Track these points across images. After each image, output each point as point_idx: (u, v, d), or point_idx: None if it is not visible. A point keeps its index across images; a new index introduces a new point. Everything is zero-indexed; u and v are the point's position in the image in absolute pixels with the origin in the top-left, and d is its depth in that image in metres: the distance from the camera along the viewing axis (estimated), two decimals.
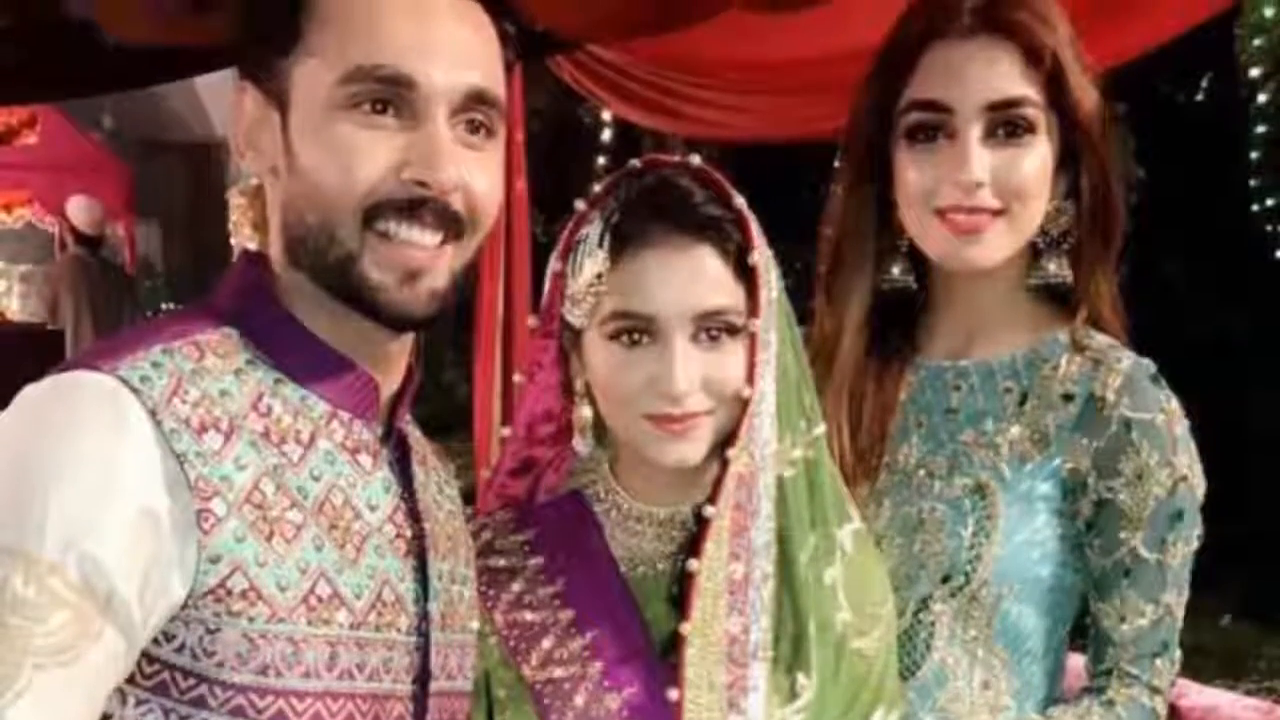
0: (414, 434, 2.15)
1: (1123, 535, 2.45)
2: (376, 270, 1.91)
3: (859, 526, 2.39)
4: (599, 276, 2.23)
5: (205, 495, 1.78)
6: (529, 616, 2.30)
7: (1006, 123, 2.47)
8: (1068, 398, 2.51)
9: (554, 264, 2.34)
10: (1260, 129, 9.50)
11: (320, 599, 1.86)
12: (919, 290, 2.65)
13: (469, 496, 2.38)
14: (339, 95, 1.89)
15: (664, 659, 2.23)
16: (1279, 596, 8.62)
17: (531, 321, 2.42)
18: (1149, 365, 2.51)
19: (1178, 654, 2.52)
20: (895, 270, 2.63)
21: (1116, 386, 2.47)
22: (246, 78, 1.99)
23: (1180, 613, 2.50)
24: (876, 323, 2.65)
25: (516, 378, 2.50)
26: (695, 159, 2.30)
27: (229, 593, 1.78)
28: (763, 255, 2.26)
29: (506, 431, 2.50)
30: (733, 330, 2.23)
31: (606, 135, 12.07)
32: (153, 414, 1.77)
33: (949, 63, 2.49)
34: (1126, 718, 2.46)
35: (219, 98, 14.63)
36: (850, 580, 2.32)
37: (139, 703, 1.80)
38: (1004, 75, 2.47)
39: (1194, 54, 8.33)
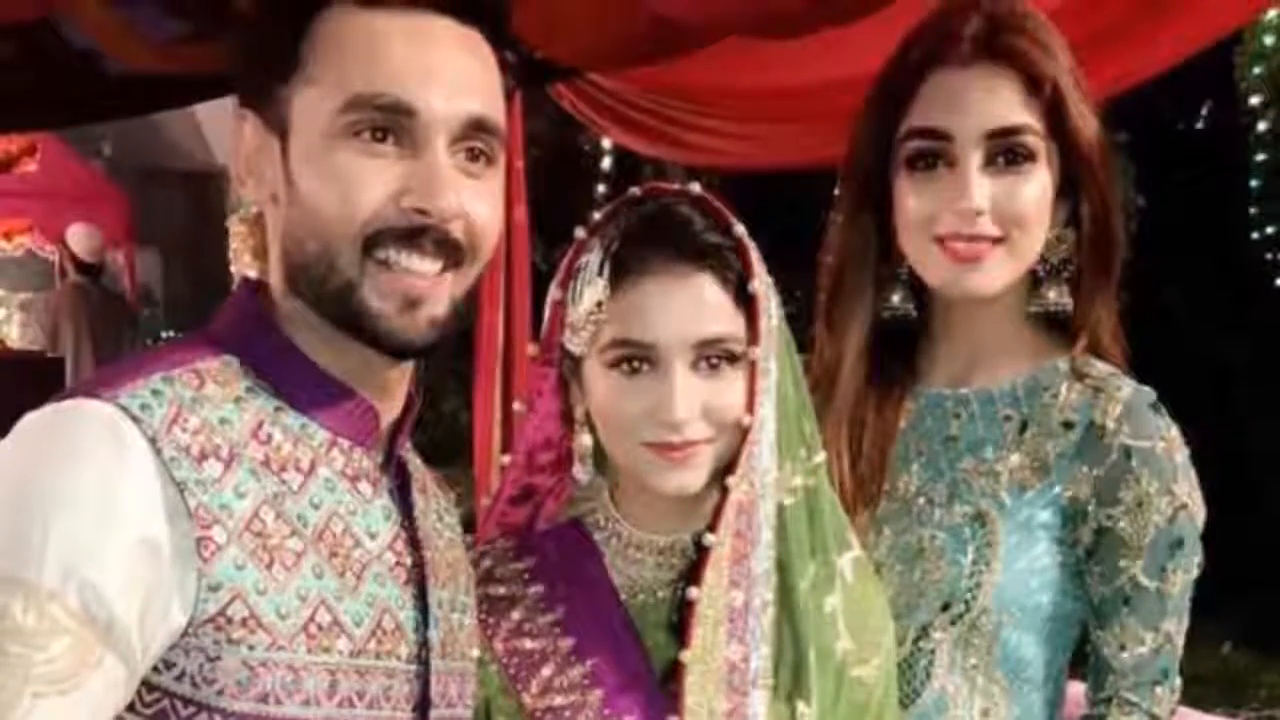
0: (414, 462, 2.15)
1: (1123, 563, 2.45)
2: (376, 298, 1.91)
3: (859, 554, 2.38)
4: (599, 305, 2.23)
5: (205, 523, 1.78)
6: (529, 644, 2.30)
7: (1007, 150, 2.47)
8: (1068, 426, 2.51)
9: (554, 292, 2.34)
10: (1260, 157, 9.53)
11: (320, 627, 1.86)
12: (919, 318, 2.65)
13: (469, 524, 2.38)
14: (339, 123, 1.89)
15: (664, 687, 2.22)
16: (1279, 625, 8.61)
17: (531, 349, 2.42)
18: (1149, 393, 2.51)
19: (1178, 682, 2.51)
20: (895, 298, 2.63)
21: (1117, 415, 2.47)
22: (247, 106, 1.99)
23: (1180, 640, 2.50)
24: (877, 350, 2.65)
25: (516, 406, 2.50)
26: (695, 186, 2.30)
27: (229, 620, 1.78)
28: (763, 283, 2.26)
29: (506, 459, 2.49)
30: (733, 358, 2.23)
31: (606, 163, 12.08)
32: (153, 442, 1.77)
33: (949, 90, 2.49)
34: None
35: (219, 126, 14.64)
36: (850, 608, 2.31)
37: None
38: (1004, 103, 2.47)
39: (1194, 82, 8.34)
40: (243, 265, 2.06)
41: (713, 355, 2.22)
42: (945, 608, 2.47)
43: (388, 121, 1.90)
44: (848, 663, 2.29)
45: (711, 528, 2.23)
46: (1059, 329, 2.60)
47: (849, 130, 2.66)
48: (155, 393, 1.81)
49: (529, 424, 2.44)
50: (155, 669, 1.78)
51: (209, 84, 5.54)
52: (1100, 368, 2.55)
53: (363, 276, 1.91)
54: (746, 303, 2.24)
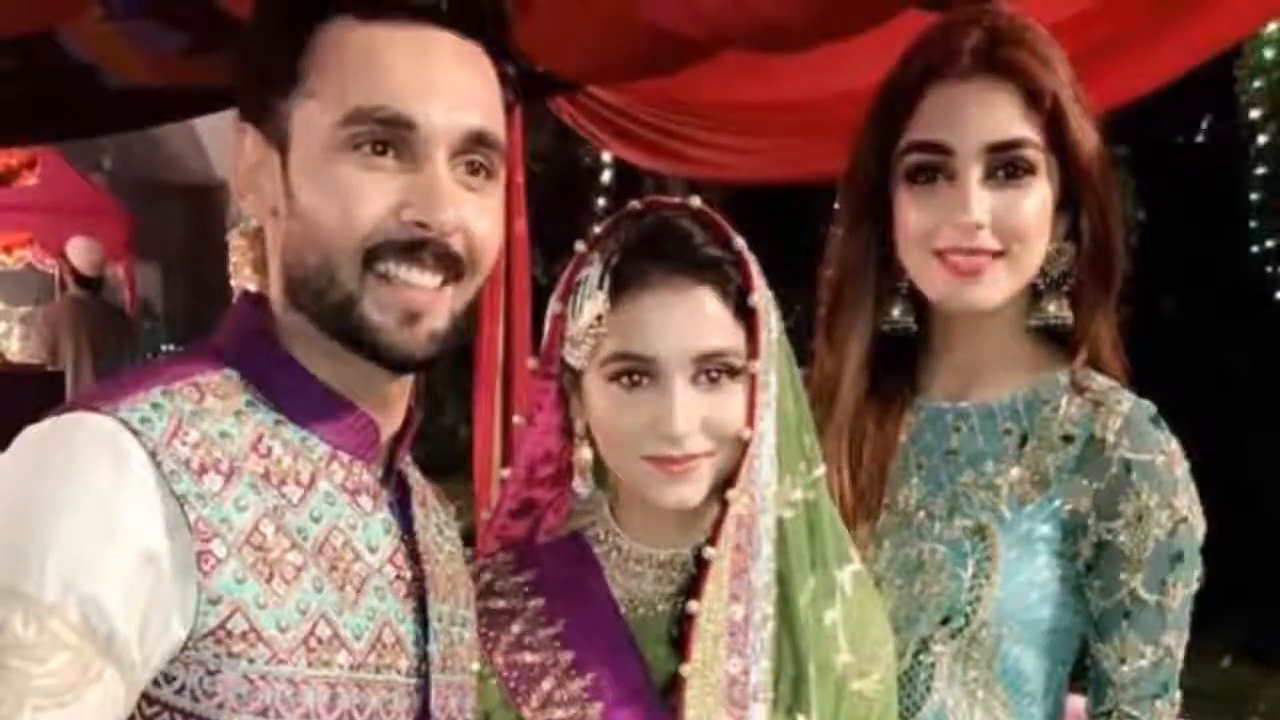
0: (414, 475, 2.14)
1: (1123, 577, 2.45)
2: (376, 311, 1.91)
3: (859, 568, 2.38)
4: (599, 318, 2.22)
5: (205, 537, 1.77)
6: (529, 658, 2.29)
7: (1007, 164, 2.47)
8: (1068, 439, 2.51)
9: (554, 305, 2.34)
10: (1260, 170, 9.53)
11: (320, 640, 1.86)
12: (919, 331, 2.65)
13: (469, 538, 2.38)
14: (339, 137, 1.89)
15: (664, 700, 2.22)
16: (1279, 638, 8.61)
17: (531, 363, 2.42)
18: (1149, 407, 2.51)
19: (1178, 695, 2.51)
20: (895, 311, 2.63)
21: (1117, 428, 2.46)
22: (246, 119, 1.99)
23: (1180, 654, 2.50)
24: (877, 364, 2.64)
25: (516, 419, 2.50)
26: (695, 200, 2.30)
27: (229, 634, 1.78)
28: (763, 296, 2.25)
29: (506, 473, 2.49)
30: (733, 372, 2.23)
31: (606, 176, 12.10)
32: (153, 455, 1.77)
33: (949, 104, 2.49)
34: None
35: (219, 139, 14.65)
36: (850, 622, 2.31)
37: None
38: (1004, 116, 2.47)
39: (1194, 95, 8.35)
40: (243, 279, 2.06)
41: (713, 369, 2.22)
42: (945, 621, 2.47)
43: (388, 135, 1.89)
44: (848, 676, 2.28)
45: (711, 541, 2.23)
46: (1059, 342, 2.60)
47: (849, 144, 2.66)
48: (155, 406, 1.81)
49: (529, 437, 2.43)
50: (155, 682, 1.78)
51: (209, 97, 5.56)
52: (1100, 381, 2.55)
53: (363, 290, 1.90)
54: (746, 316, 2.24)
